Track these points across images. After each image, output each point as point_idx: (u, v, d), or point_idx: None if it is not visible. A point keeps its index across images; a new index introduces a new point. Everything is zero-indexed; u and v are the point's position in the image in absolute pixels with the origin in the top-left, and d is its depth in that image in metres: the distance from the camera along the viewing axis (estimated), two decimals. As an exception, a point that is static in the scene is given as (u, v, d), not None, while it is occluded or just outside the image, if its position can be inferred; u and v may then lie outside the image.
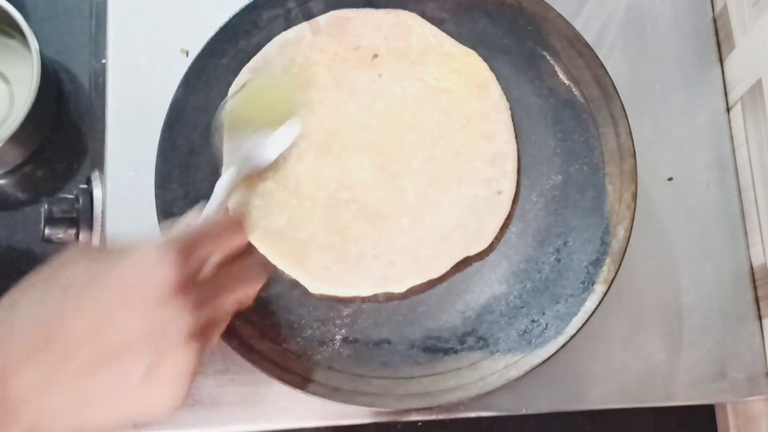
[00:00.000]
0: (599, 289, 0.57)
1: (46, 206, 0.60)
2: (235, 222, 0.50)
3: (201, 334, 0.43)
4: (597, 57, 0.60)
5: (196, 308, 0.42)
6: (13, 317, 0.41)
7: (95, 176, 0.63)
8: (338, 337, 0.57)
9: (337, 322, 0.57)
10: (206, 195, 0.56)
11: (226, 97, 0.59)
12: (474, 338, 0.57)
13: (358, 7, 0.62)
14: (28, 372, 0.40)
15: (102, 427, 0.43)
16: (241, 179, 0.56)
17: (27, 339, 0.41)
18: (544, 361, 0.55)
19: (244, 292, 0.48)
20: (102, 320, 0.41)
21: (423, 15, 0.62)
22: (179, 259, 0.42)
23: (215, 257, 0.46)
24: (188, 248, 0.44)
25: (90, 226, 0.60)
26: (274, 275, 0.57)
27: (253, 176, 0.58)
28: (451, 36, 0.62)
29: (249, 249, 0.51)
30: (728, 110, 0.67)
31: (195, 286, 0.43)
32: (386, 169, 0.60)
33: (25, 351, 0.40)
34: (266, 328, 0.56)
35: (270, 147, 0.58)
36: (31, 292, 0.42)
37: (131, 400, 0.42)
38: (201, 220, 0.50)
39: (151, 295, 0.41)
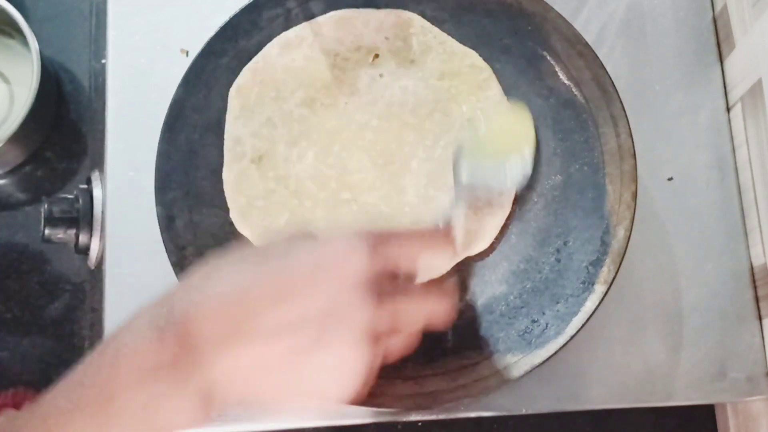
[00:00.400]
0: (599, 289, 0.57)
1: (46, 206, 0.60)
2: (444, 232, 0.50)
3: (376, 336, 0.43)
4: (597, 57, 0.60)
5: (377, 305, 0.42)
6: (207, 287, 0.43)
7: (95, 176, 0.62)
8: (338, 337, 0.57)
9: (337, 322, 0.57)
10: (206, 195, 0.56)
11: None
12: (474, 338, 0.57)
13: (358, 7, 0.62)
14: (213, 327, 0.41)
15: (272, 399, 0.43)
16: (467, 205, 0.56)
17: (218, 297, 0.42)
18: (544, 361, 0.55)
19: (434, 312, 0.46)
20: (289, 291, 0.42)
21: (423, 15, 0.62)
22: (375, 252, 0.43)
23: (412, 263, 0.46)
24: (386, 245, 0.44)
25: (90, 226, 0.60)
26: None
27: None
28: (452, 36, 0.62)
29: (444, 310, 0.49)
30: (728, 110, 0.67)
31: (384, 284, 0.43)
32: (386, 169, 0.60)
33: (214, 308, 0.41)
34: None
35: (506, 175, 0.57)
36: (226, 266, 0.44)
37: (299, 377, 0.42)
38: (401, 227, 0.51)
39: (340, 278, 0.42)
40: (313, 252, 0.44)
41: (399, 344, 0.46)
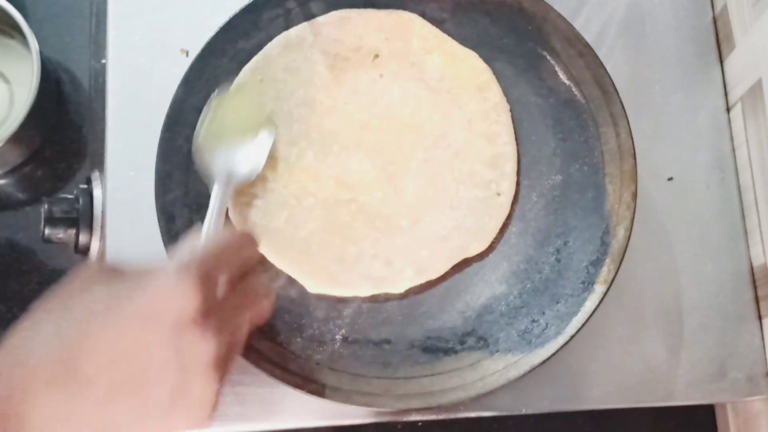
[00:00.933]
0: (599, 289, 0.57)
1: (46, 206, 0.60)
2: (246, 237, 0.49)
3: (222, 359, 0.43)
4: (597, 57, 0.60)
5: (216, 333, 0.42)
6: (29, 347, 0.40)
7: (95, 176, 0.62)
8: (338, 337, 0.57)
9: (337, 322, 0.57)
10: (206, 195, 0.56)
11: (200, 120, 0.58)
12: (474, 338, 0.57)
13: (358, 7, 0.62)
14: (46, 404, 0.39)
15: None
16: (232, 194, 0.56)
17: (44, 370, 0.40)
18: (544, 361, 0.55)
19: (257, 310, 0.47)
20: (122, 349, 0.40)
21: (423, 15, 0.62)
22: (198, 284, 0.42)
23: (226, 276, 0.46)
24: (205, 271, 0.43)
25: (90, 226, 0.60)
26: (274, 276, 0.57)
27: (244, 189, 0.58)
28: (452, 36, 0.62)
29: (261, 261, 0.51)
30: (728, 110, 0.67)
31: (214, 310, 0.43)
32: (386, 169, 0.60)
33: (42, 382, 0.39)
34: (266, 328, 0.56)
35: (251, 158, 0.57)
36: (46, 321, 0.41)
37: (153, 428, 0.41)
38: (208, 241, 0.50)
39: (173, 322, 0.41)
40: (138, 301, 0.41)
41: (238, 350, 0.46)
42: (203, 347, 0.41)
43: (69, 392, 0.39)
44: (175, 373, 0.41)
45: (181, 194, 0.58)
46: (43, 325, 0.41)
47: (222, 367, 0.43)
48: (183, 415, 0.42)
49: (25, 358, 0.40)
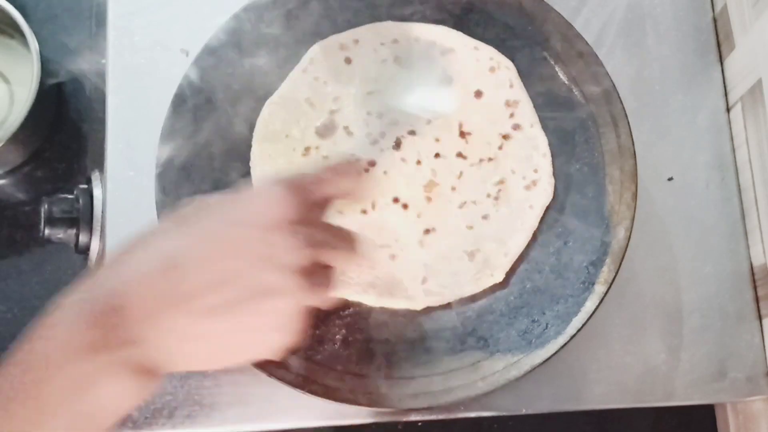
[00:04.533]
0: (599, 289, 0.57)
1: (46, 206, 0.60)
2: (350, 165, 0.52)
3: (308, 274, 0.43)
4: (597, 57, 0.60)
5: (305, 244, 0.43)
6: (133, 252, 0.42)
7: (95, 176, 0.62)
8: (338, 337, 0.57)
9: (337, 322, 0.57)
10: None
11: None
12: (474, 338, 0.57)
13: (358, 7, 0.61)
14: (142, 301, 0.41)
15: (214, 363, 0.44)
16: None
17: (144, 268, 0.41)
18: (544, 361, 0.55)
19: (345, 252, 0.47)
20: (219, 246, 0.42)
21: (424, 16, 0.62)
22: (291, 194, 0.44)
23: (324, 198, 0.47)
24: (300, 185, 0.45)
25: (90, 226, 0.60)
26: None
27: None
28: (452, 36, 0.62)
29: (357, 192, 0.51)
30: (728, 110, 0.67)
31: (307, 224, 0.44)
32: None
33: (140, 280, 0.41)
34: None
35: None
36: (152, 231, 0.44)
37: (240, 323, 0.42)
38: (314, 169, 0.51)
39: (267, 224, 0.42)
40: (235, 207, 0.44)
41: (325, 281, 0.46)
42: (291, 249, 0.42)
43: (166, 287, 0.41)
44: (264, 269, 0.42)
45: (180, 195, 0.58)
46: (147, 240, 0.43)
47: (306, 281, 0.43)
48: (267, 317, 0.42)
49: (129, 259, 0.42)
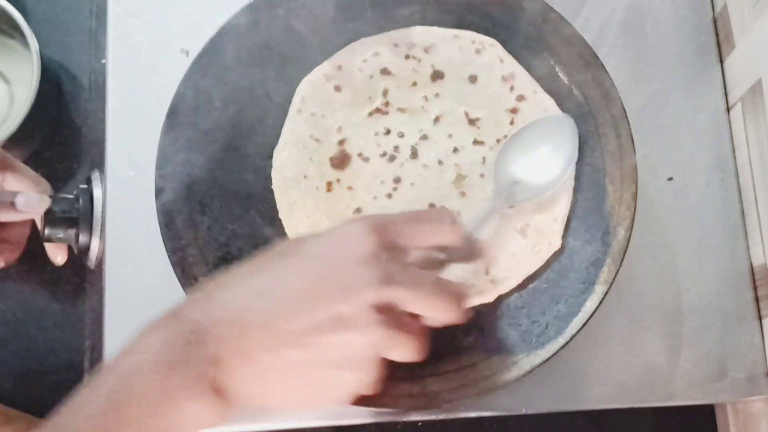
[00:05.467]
0: (599, 289, 0.57)
1: (46, 206, 0.60)
2: (444, 214, 0.49)
3: (392, 316, 0.43)
4: (597, 57, 0.60)
5: (384, 282, 0.43)
6: (220, 287, 0.43)
7: (95, 176, 0.62)
8: (338, 337, 0.57)
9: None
10: (207, 195, 0.55)
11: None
12: (474, 338, 0.57)
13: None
14: (228, 329, 0.41)
15: (290, 404, 0.44)
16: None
17: (232, 301, 0.42)
18: (545, 361, 0.55)
19: (438, 303, 0.46)
20: (303, 278, 0.43)
21: (424, 17, 0.62)
22: (378, 230, 0.44)
23: (419, 250, 0.47)
24: (391, 226, 0.45)
25: (90, 226, 0.60)
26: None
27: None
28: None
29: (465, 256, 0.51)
30: (728, 110, 0.67)
31: (389, 261, 0.44)
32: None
33: (228, 311, 0.42)
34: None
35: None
36: (239, 270, 0.45)
37: (313, 353, 0.42)
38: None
39: (346, 256, 0.43)
40: (322, 243, 0.44)
41: (410, 329, 0.45)
42: (373, 284, 0.42)
43: (251, 327, 0.42)
44: (339, 300, 0.42)
45: (181, 194, 0.58)
46: (234, 276, 0.44)
47: (384, 323, 0.42)
48: (345, 351, 0.42)
49: (217, 303, 0.43)
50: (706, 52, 0.68)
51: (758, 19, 0.62)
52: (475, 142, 0.60)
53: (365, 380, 0.43)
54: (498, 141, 0.60)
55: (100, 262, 0.61)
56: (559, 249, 0.58)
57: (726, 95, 0.67)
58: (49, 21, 0.74)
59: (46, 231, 0.59)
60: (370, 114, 0.61)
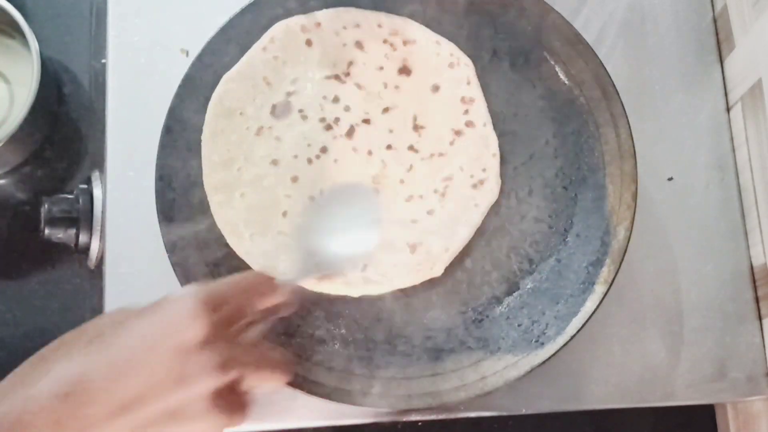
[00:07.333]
0: (599, 289, 0.57)
1: (46, 206, 0.60)
2: (266, 278, 0.48)
3: (225, 401, 0.42)
4: (597, 57, 0.60)
5: (221, 369, 0.42)
6: (39, 372, 0.41)
7: (95, 176, 0.63)
8: (338, 337, 0.57)
9: (337, 321, 0.57)
10: (206, 196, 0.55)
11: None
12: (474, 338, 0.57)
13: (358, 6, 0.61)
14: (47, 425, 0.40)
15: None
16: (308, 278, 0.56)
17: (48, 389, 0.40)
18: (544, 361, 0.55)
19: (270, 374, 0.46)
20: (124, 370, 0.41)
21: (423, 16, 0.62)
22: (207, 310, 0.42)
23: (246, 317, 0.45)
24: (218, 300, 0.43)
25: (90, 226, 0.60)
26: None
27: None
28: (452, 37, 0.62)
29: (283, 311, 0.49)
30: (728, 110, 0.67)
31: (223, 344, 0.42)
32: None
33: (44, 403, 0.40)
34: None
35: (345, 259, 0.56)
36: (60, 347, 0.43)
37: None
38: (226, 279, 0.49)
39: (178, 345, 0.41)
40: (146, 324, 0.42)
41: (239, 406, 0.44)
42: (204, 376, 0.41)
43: (72, 416, 0.40)
44: (173, 393, 0.41)
45: (181, 195, 0.58)
46: (51, 358, 0.42)
47: (222, 409, 0.42)
48: None
49: (31, 381, 0.40)
50: (706, 52, 0.68)
51: (758, 19, 0.62)
52: (411, 148, 0.60)
53: None
54: (431, 156, 0.60)
55: (100, 262, 0.61)
56: (440, 277, 0.58)
57: (726, 95, 0.67)
58: (49, 21, 0.74)
59: (46, 231, 0.59)
60: (328, 77, 0.60)
